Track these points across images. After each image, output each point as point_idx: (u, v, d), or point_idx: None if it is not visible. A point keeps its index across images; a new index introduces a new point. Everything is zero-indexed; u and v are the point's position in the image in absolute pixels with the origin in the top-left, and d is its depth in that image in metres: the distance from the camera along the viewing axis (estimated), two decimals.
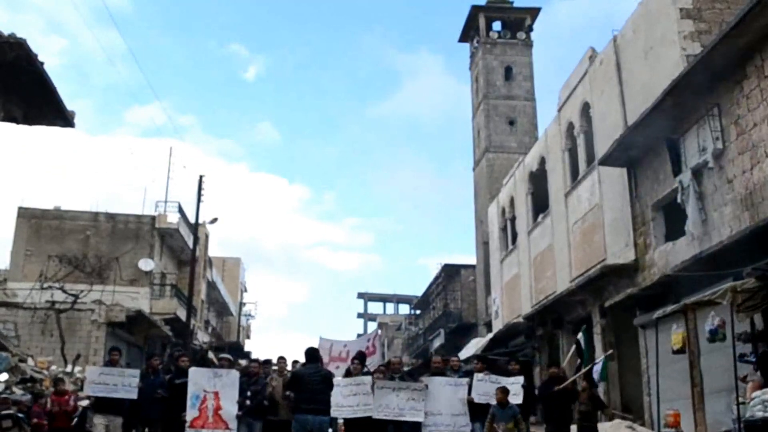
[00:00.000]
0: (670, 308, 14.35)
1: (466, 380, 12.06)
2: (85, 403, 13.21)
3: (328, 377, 11.27)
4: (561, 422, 12.44)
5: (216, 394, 11.40)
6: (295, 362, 13.32)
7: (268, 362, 13.52)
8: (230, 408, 11.39)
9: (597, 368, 13.65)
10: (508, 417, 11.20)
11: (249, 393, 11.81)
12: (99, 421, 11.79)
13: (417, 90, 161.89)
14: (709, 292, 12.39)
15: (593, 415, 12.93)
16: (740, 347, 12.34)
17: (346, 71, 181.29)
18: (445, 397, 11.74)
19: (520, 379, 12.48)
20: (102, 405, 11.86)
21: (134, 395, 11.72)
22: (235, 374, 11.78)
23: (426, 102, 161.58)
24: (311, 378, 10.92)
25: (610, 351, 14.54)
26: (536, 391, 13.49)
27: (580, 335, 14.67)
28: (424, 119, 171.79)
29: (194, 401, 11.32)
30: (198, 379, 11.56)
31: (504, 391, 11.40)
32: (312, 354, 11.51)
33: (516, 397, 11.87)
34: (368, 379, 11.83)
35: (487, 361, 13.61)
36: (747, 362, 12.24)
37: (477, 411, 11.76)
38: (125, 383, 11.76)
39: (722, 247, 13.83)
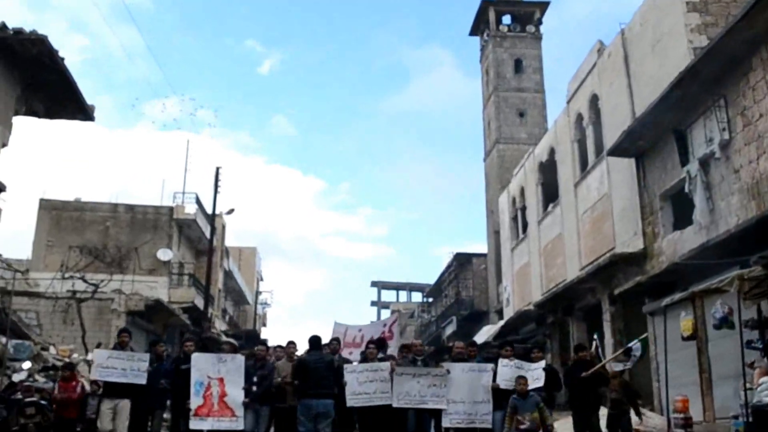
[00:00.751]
0: (678, 296, 14.36)
1: (491, 366, 11.26)
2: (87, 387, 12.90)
3: (332, 363, 11.24)
4: (587, 409, 11.70)
5: (221, 380, 10.84)
6: None
7: (280, 347, 12.90)
8: (236, 394, 10.83)
9: (636, 351, 12.87)
10: (530, 406, 10.53)
11: (255, 379, 11.17)
12: (106, 407, 11.12)
13: (428, 84, 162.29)
14: (717, 280, 12.37)
15: (625, 403, 12.28)
16: (747, 334, 12.41)
17: (359, 65, 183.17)
18: (468, 384, 11.04)
19: (542, 363, 11.73)
20: (109, 389, 11.28)
21: (144, 380, 11.08)
22: (240, 359, 11.19)
23: (437, 96, 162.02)
24: (316, 364, 10.96)
25: (645, 334, 14.13)
26: (561, 376, 12.48)
27: (595, 336, 14.56)
28: (434, 112, 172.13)
29: (198, 388, 10.75)
30: (202, 365, 10.95)
31: (524, 381, 10.72)
32: (316, 341, 11.43)
33: (537, 382, 11.07)
34: (386, 365, 11.30)
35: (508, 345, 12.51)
36: (754, 349, 12.33)
37: (500, 399, 11.00)
38: (134, 367, 11.10)
39: (729, 236, 13.94)
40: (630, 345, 12.72)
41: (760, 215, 13.15)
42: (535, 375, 11.18)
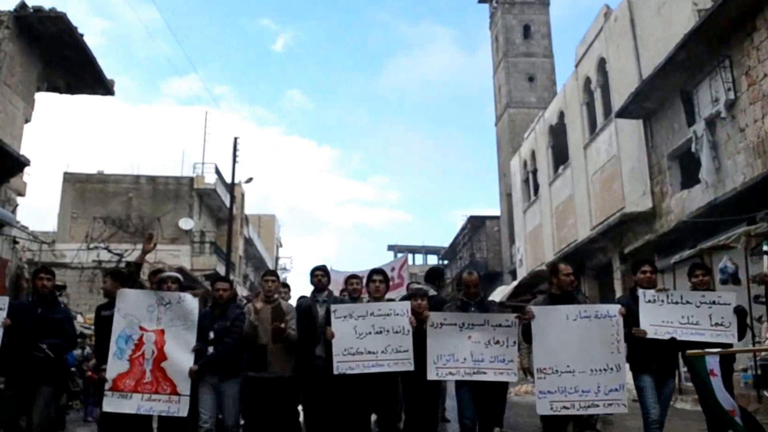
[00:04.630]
0: (687, 253, 14.69)
1: (617, 307, 6.64)
2: None
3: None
4: None
5: (160, 333, 6.97)
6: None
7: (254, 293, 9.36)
8: (180, 358, 6.93)
9: None
10: None
11: (212, 335, 7.24)
12: None
13: (431, 56, 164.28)
14: (724, 237, 12.68)
15: None
16: (755, 289, 12.51)
17: (367, 39, 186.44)
18: (579, 341, 6.55)
19: (732, 296, 6.79)
20: None
21: None
22: (191, 302, 7.18)
23: (442, 68, 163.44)
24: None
25: None
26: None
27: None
28: (440, 83, 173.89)
29: (122, 346, 6.90)
30: (132, 307, 7.05)
31: None
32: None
33: (722, 332, 6.58)
34: (403, 306, 7.13)
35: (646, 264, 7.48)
36: (761, 303, 12.41)
37: (647, 356, 6.67)
38: None
39: (736, 194, 14.03)
40: None
41: (765, 173, 13.24)
42: (717, 317, 6.66)
